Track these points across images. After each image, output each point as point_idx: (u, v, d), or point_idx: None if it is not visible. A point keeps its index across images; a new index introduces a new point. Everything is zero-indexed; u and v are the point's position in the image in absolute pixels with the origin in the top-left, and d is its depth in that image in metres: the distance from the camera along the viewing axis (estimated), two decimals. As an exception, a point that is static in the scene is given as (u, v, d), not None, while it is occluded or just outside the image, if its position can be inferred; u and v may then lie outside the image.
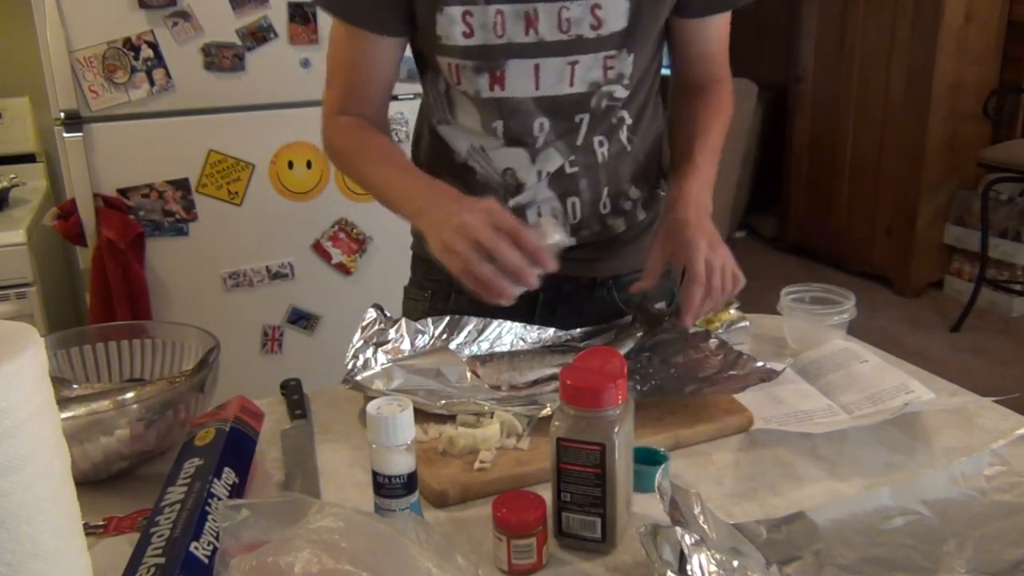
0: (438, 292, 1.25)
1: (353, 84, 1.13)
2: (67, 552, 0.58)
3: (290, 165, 2.18)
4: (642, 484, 0.83)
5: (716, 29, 1.16)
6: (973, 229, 3.77)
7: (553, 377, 1.03)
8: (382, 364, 1.05)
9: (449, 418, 0.96)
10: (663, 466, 0.74)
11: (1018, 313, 3.74)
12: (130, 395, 0.93)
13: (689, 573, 0.64)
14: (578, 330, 1.16)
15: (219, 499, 0.76)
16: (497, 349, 1.12)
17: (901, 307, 3.92)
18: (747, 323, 1.20)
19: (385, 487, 0.74)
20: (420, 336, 1.10)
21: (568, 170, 1.13)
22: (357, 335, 1.07)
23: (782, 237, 4.73)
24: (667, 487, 0.70)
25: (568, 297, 1.22)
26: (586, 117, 1.11)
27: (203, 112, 2.09)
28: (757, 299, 1.37)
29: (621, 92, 1.10)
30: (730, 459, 0.94)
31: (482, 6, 1.02)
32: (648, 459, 0.87)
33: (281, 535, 0.58)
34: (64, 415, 0.85)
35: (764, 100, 4.55)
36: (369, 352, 1.06)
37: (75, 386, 1.00)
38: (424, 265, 1.26)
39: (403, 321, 1.10)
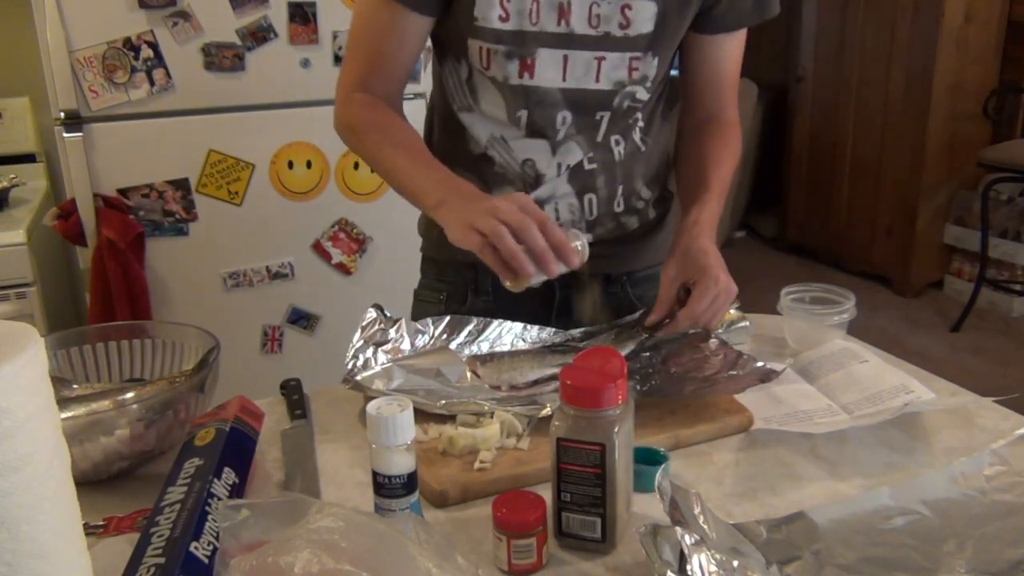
0: (453, 294, 1.25)
1: (377, 60, 1.12)
2: (67, 552, 0.58)
3: (290, 165, 2.18)
4: (642, 484, 0.83)
5: (729, 50, 1.17)
6: (973, 229, 3.77)
7: (553, 377, 1.03)
8: (382, 364, 1.05)
9: (449, 418, 0.96)
10: (663, 466, 0.74)
11: (1018, 313, 3.74)
12: (130, 395, 0.93)
13: (689, 573, 0.64)
14: (578, 330, 1.16)
15: (219, 499, 0.76)
16: (497, 349, 1.12)
17: (901, 307, 3.92)
18: (747, 323, 1.20)
19: (385, 487, 0.74)
20: (420, 336, 1.10)
21: (587, 166, 1.15)
22: (357, 335, 1.07)
23: (782, 237, 4.73)
24: (667, 487, 0.70)
25: (583, 294, 1.23)
26: (607, 115, 1.13)
27: (203, 112, 2.09)
28: (757, 299, 1.38)
29: (643, 94, 1.12)
30: (730, 459, 0.94)
31: None
32: (648, 459, 0.87)
33: (281, 535, 0.58)
34: (64, 415, 0.85)
35: (764, 100, 4.56)
36: (369, 352, 1.06)
37: (75, 386, 1.00)
38: (435, 267, 1.27)
39: (403, 321, 1.10)
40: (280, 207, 2.20)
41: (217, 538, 0.70)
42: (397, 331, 1.09)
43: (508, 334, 1.13)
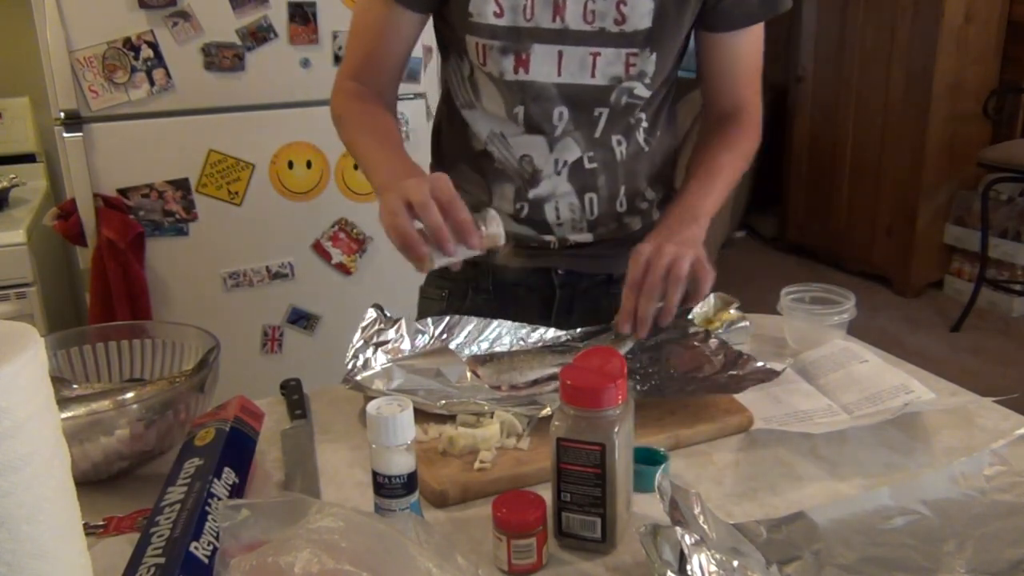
0: (455, 292, 1.26)
1: (371, 54, 1.16)
2: (67, 552, 0.58)
3: (290, 165, 2.18)
4: (642, 484, 0.83)
5: (741, 47, 1.17)
6: (973, 229, 3.77)
7: (553, 377, 1.03)
8: (382, 364, 1.05)
9: (449, 418, 0.96)
10: (663, 466, 0.74)
11: (1018, 313, 3.74)
12: (130, 395, 0.93)
13: (689, 573, 0.64)
14: (578, 330, 1.16)
15: (219, 499, 0.76)
16: (497, 349, 1.12)
17: (901, 307, 3.92)
18: (747, 323, 1.20)
19: (385, 487, 0.74)
20: (420, 336, 1.10)
21: (587, 165, 1.16)
22: (357, 335, 1.07)
23: (782, 237, 4.73)
24: (667, 487, 0.70)
25: (584, 293, 1.24)
26: (605, 112, 1.13)
27: (203, 112, 2.09)
28: (757, 299, 1.37)
29: (642, 91, 1.12)
30: (730, 459, 0.94)
31: None
32: (648, 459, 0.87)
33: (281, 535, 0.58)
34: (64, 415, 0.85)
35: (764, 100, 4.54)
36: (369, 352, 1.06)
37: (75, 386, 1.00)
38: None
39: (403, 321, 1.10)
40: (280, 207, 2.20)
41: (217, 538, 0.70)
42: (397, 331, 1.09)
43: (508, 334, 1.13)
